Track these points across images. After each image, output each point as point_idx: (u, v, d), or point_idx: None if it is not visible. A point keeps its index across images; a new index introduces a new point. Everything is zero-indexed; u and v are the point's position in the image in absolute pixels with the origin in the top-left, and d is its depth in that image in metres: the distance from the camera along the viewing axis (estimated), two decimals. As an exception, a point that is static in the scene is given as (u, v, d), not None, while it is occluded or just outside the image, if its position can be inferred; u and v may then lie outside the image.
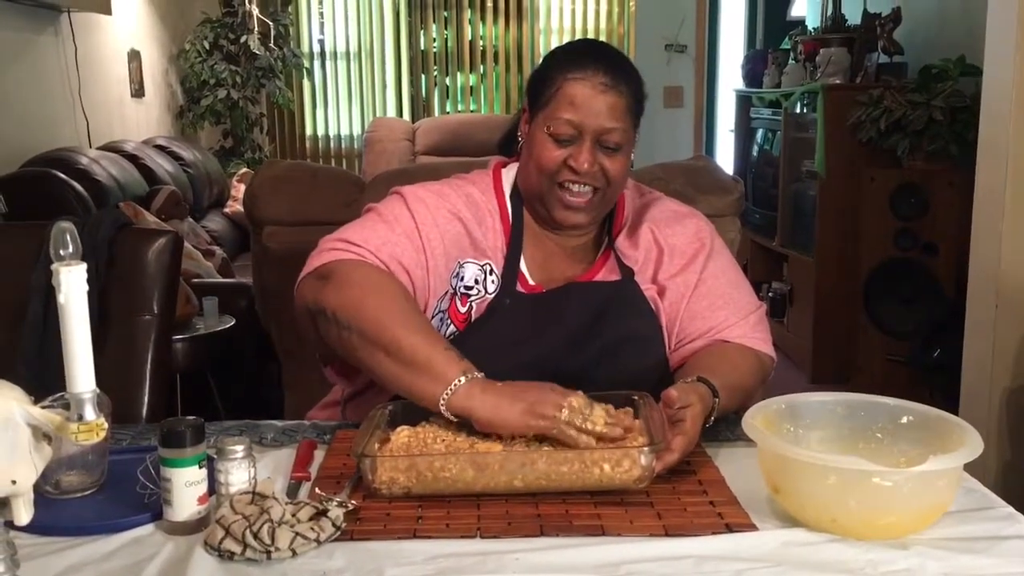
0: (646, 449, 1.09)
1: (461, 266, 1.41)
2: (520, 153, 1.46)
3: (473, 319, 1.40)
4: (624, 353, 1.39)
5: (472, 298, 1.40)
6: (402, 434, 1.17)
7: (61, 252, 0.84)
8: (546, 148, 1.38)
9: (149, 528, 1.05)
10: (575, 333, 1.39)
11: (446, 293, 1.40)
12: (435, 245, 1.37)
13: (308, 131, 6.48)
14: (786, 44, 4.96)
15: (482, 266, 1.41)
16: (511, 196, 1.46)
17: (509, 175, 1.49)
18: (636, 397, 1.23)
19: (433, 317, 1.39)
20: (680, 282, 1.44)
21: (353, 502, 1.07)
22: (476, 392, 1.15)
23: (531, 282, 1.44)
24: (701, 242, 1.46)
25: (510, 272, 1.41)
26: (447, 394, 1.16)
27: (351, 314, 1.24)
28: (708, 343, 1.41)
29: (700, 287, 1.43)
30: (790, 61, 4.69)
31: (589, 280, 1.45)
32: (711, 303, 1.43)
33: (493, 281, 1.41)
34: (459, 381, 1.16)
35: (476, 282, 1.41)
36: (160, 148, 4.49)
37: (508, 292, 1.40)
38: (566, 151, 1.37)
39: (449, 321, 1.40)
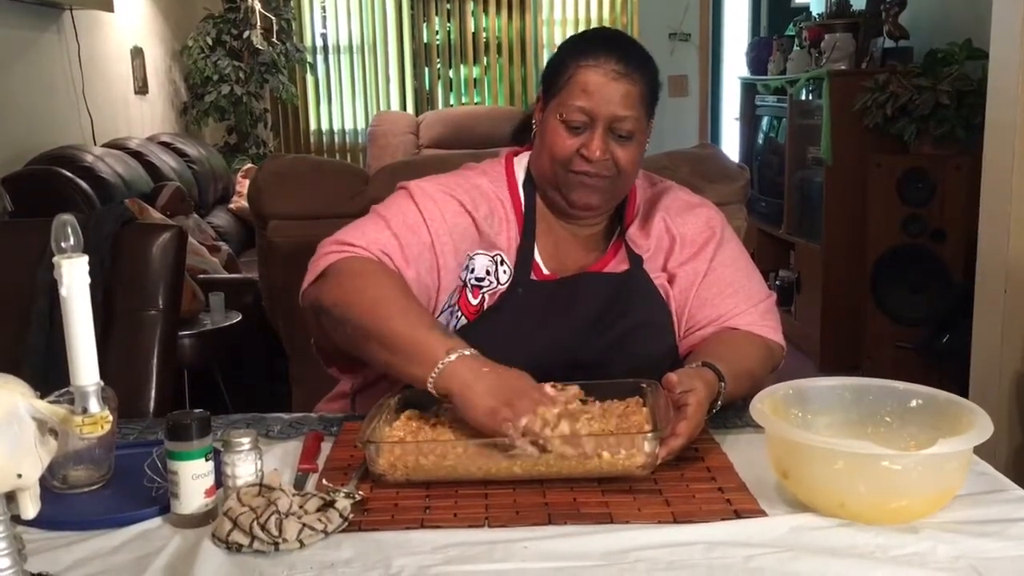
0: (649, 436, 1.09)
1: (471, 258, 1.40)
2: (533, 141, 1.46)
3: (485, 309, 1.39)
4: (635, 340, 1.39)
5: (484, 289, 1.40)
6: (397, 426, 1.19)
7: (63, 245, 0.83)
8: (559, 136, 1.37)
9: (156, 521, 1.05)
10: (587, 322, 1.39)
11: (456, 288, 1.40)
12: (444, 240, 1.37)
13: (312, 126, 6.48)
14: (790, 30, 4.94)
15: (492, 257, 1.41)
16: (524, 185, 1.46)
17: (521, 164, 1.48)
18: (644, 385, 1.23)
19: (442, 312, 1.39)
20: (690, 270, 1.44)
21: (360, 493, 1.07)
22: (459, 372, 1.15)
23: (545, 271, 1.43)
24: (712, 231, 1.46)
25: (524, 261, 1.41)
26: (433, 375, 1.16)
27: (345, 310, 1.26)
28: (717, 330, 1.41)
29: (710, 275, 1.43)
30: (795, 48, 4.66)
31: (600, 269, 1.45)
32: (720, 291, 1.43)
33: (505, 271, 1.41)
34: (445, 361, 1.16)
35: (487, 273, 1.40)
36: (164, 145, 4.49)
37: (522, 281, 1.40)
38: (579, 139, 1.36)
39: (460, 313, 1.39)
